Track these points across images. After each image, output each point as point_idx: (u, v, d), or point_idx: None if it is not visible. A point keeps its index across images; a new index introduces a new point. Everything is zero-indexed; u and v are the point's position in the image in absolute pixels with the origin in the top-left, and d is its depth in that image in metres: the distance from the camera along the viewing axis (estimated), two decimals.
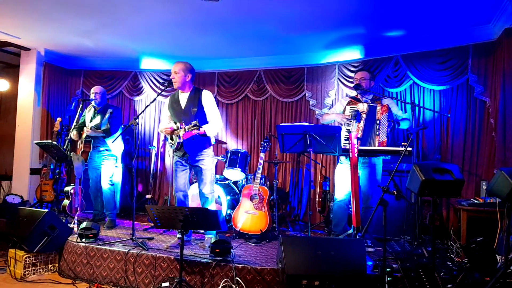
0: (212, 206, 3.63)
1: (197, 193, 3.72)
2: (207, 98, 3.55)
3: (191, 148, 3.49)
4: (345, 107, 3.79)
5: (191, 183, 4.11)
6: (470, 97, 4.37)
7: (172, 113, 3.60)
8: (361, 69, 4.82)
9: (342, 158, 3.74)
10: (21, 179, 5.69)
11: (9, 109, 6.34)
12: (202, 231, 3.88)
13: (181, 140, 3.42)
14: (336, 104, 4.09)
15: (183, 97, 3.58)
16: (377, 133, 3.55)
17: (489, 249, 2.85)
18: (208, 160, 3.58)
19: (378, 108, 3.59)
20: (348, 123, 3.64)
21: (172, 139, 3.52)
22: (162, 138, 6.21)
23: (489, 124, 4.15)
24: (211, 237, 3.51)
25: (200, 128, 3.30)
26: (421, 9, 3.87)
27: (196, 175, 3.65)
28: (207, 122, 3.49)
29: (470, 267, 2.81)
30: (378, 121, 3.57)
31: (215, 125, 3.51)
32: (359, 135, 3.55)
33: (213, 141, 3.68)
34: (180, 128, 3.37)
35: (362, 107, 3.64)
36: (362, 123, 3.60)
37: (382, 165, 3.80)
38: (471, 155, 4.33)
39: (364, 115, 3.61)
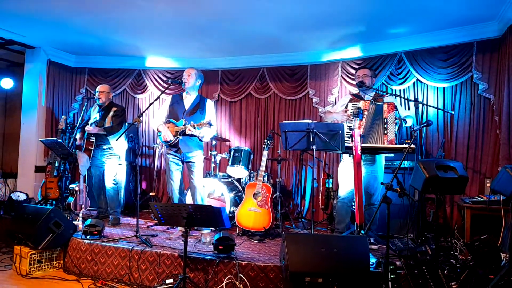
0: (204, 196, 3.94)
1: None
2: (211, 106, 3.96)
3: (187, 146, 3.78)
4: (347, 104, 3.79)
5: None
6: (474, 94, 4.35)
7: (173, 112, 3.86)
8: (362, 66, 4.80)
9: (345, 156, 3.73)
10: (26, 176, 5.73)
11: (14, 107, 6.38)
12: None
13: (181, 137, 3.71)
14: (338, 102, 4.09)
15: (188, 100, 3.90)
16: (385, 131, 3.50)
17: (493, 247, 2.84)
18: (200, 157, 3.92)
19: (385, 107, 3.55)
20: (350, 121, 3.63)
21: (171, 133, 3.77)
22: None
23: (494, 121, 4.13)
24: (207, 232, 3.78)
25: (211, 126, 3.60)
26: (424, 5, 3.85)
27: (188, 169, 3.90)
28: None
29: (474, 264, 2.80)
30: (385, 120, 3.52)
31: (212, 132, 3.87)
32: (360, 132, 3.54)
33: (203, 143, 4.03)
34: (186, 125, 3.64)
35: (364, 104, 3.63)
36: (364, 120, 3.58)
37: (385, 163, 3.79)
38: (475, 152, 4.31)
39: (366, 112, 3.59)
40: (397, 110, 3.62)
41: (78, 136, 4.48)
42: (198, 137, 3.79)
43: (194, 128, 3.60)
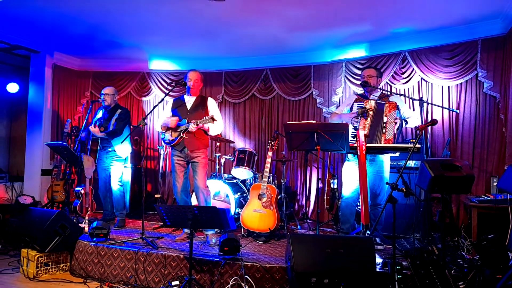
0: (209, 198, 3.89)
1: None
2: (213, 103, 3.96)
3: (192, 145, 3.77)
4: (352, 104, 3.77)
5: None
6: (480, 93, 4.32)
7: (177, 114, 3.86)
8: (368, 66, 4.79)
9: (350, 155, 3.72)
10: (33, 180, 5.76)
11: (20, 111, 6.43)
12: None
13: (184, 135, 3.71)
14: (343, 102, 4.08)
15: (190, 100, 3.92)
16: (384, 130, 3.50)
17: (501, 246, 2.81)
18: (205, 157, 3.88)
19: (386, 105, 3.53)
20: (355, 121, 3.61)
21: (175, 132, 3.78)
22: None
23: (499, 119, 4.10)
24: (212, 233, 3.76)
25: (214, 122, 3.59)
26: (428, 4, 3.84)
27: (193, 169, 3.87)
28: None
29: (481, 264, 2.78)
30: (385, 119, 3.52)
31: (219, 125, 3.83)
32: (365, 132, 3.51)
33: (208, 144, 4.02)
34: (189, 123, 3.65)
35: (369, 104, 3.60)
36: (368, 120, 3.56)
37: (390, 162, 3.76)
38: (481, 151, 4.28)
39: (371, 112, 3.57)
40: (398, 109, 3.60)
41: (83, 134, 4.50)
42: (204, 130, 3.79)
43: (197, 124, 3.62)
